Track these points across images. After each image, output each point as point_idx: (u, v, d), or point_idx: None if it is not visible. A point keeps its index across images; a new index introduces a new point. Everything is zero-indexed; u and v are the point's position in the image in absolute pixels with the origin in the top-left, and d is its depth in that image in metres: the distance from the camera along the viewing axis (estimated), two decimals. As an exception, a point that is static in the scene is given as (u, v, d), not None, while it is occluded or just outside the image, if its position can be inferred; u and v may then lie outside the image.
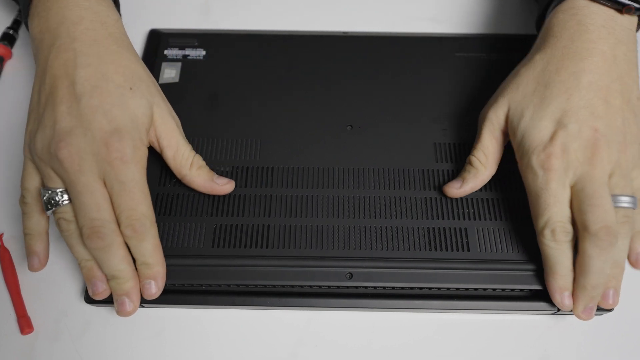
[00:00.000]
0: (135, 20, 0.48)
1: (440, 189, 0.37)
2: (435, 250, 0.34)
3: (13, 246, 0.37)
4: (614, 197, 0.31)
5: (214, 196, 0.36)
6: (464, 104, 0.41)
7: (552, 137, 0.32)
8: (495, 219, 0.36)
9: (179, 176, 0.35)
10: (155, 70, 0.43)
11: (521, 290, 0.34)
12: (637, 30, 0.36)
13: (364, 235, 0.35)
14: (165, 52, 0.44)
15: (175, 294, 0.34)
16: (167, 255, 0.34)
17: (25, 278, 0.36)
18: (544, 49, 0.35)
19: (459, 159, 0.38)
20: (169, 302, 0.34)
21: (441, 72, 0.42)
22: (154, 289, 0.32)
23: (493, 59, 0.43)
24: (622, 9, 0.33)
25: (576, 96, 0.32)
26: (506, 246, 0.35)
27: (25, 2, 0.36)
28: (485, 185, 0.37)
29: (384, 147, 0.39)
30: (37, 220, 0.33)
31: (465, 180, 0.35)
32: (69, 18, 0.34)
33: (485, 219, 0.36)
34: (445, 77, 0.42)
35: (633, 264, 0.34)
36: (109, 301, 0.33)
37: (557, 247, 0.32)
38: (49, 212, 0.32)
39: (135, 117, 0.33)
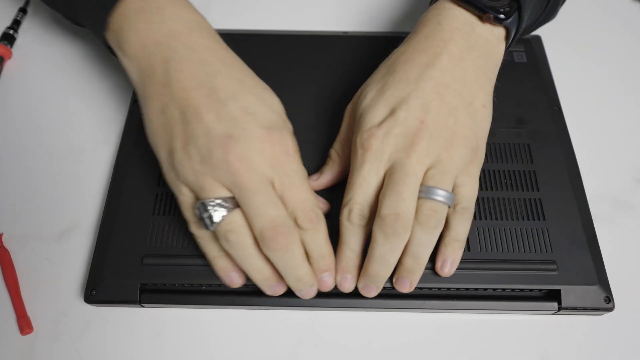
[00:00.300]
0: (135, 21, 0.48)
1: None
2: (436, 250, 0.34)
3: (13, 246, 0.37)
4: (427, 187, 0.30)
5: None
6: (464, 103, 0.41)
7: (381, 122, 0.32)
8: (495, 219, 0.35)
9: None
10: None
11: (521, 290, 0.34)
12: (507, 44, 0.35)
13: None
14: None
15: (175, 294, 0.34)
16: (167, 256, 0.34)
17: (25, 278, 0.36)
18: (404, 43, 0.35)
19: (459, 158, 0.38)
20: (169, 302, 0.34)
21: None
22: (330, 280, 0.32)
23: (493, 58, 0.43)
24: (482, 15, 0.34)
25: (414, 87, 0.32)
26: (506, 246, 0.35)
27: (102, 15, 0.34)
28: (485, 185, 0.37)
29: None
30: (215, 242, 0.32)
31: (323, 172, 0.36)
32: (178, 30, 0.33)
33: (486, 219, 0.35)
34: (446, 77, 0.42)
35: (437, 270, 0.33)
36: (108, 301, 0.33)
37: (349, 228, 0.31)
38: (212, 228, 0.30)
39: (279, 111, 0.33)
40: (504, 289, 0.34)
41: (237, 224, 0.30)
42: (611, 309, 0.33)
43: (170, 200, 0.36)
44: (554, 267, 0.34)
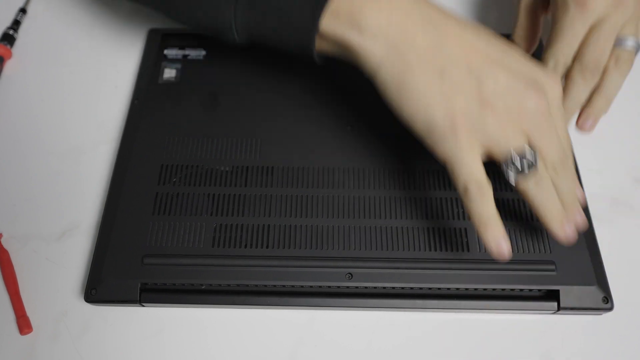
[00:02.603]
0: (135, 20, 0.48)
1: (440, 190, 0.37)
2: (435, 250, 0.35)
3: (13, 246, 0.37)
4: (626, 37, 0.35)
5: (213, 196, 0.36)
6: (464, 104, 0.41)
7: None
8: (495, 219, 0.36)
9: None
10: (155, 70, 0.43)
11: (521, 290, 0.34)
12: None
13: (363, 236, 0.35)
14: (165, 52, 0.44)
15: (175, 293, 0.34)
16: (167, 255, 0.34)
17: (25, 278, 0.36)
18: None
19: (459, 159, 0.38)
20: (169, 302, 0.34)
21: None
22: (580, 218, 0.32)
23: (493, 59, 0.43)
24: None
25: None
26: (506, 246, 0.35)
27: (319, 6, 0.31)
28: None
29: (384, 147, 0.39)
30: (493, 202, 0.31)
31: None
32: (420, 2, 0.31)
33: (485, 219, 0.36)
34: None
35: (580, 126, 0.38)
36: (109, 300, 0.33)
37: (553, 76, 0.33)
38: (528, 172, 0.30)
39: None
40: (504, 289, 0.34)
41: (542, 168, 0.31)
42: (610, 309, 0.33)
43: (170, 200, 0.36)
44: (552, 267, 0.34)
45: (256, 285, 0.34)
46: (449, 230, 0.35)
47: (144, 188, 0.37)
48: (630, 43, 0.36)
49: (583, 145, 0.41)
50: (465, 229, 0.35)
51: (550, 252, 0.34)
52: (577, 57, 0.36)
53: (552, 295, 0.34)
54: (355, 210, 0.36)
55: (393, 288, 0.34)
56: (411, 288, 0.34)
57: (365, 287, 0.34)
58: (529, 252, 0.34)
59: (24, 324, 0.34)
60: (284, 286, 0.34)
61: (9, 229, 0.38)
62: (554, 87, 0.32)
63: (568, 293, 0.33)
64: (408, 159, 0.38)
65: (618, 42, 0.36)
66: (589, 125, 0.37)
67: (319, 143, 0.39)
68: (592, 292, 0.33)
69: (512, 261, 0.34)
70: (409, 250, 0.34)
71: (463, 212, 0.36)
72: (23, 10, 0.48)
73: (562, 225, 0.31)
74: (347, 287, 0.34)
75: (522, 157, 0.30)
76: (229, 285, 0.34)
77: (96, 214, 0.38)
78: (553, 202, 0.31)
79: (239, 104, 0.41)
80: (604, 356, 0.34)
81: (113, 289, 0.34)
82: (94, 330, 0.34)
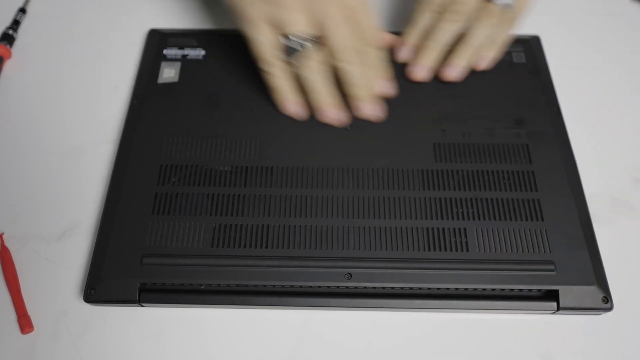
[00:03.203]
0: (134, 20, 0.48)
1: (440, 190, 0.37)
2: (435, 250, 0.35)
3: (13, 246, 0.37)
4: None
5: (213, 196, 0.36)
6: (463, 104, 0.41)
7: None
8: (494, 219, 0.36)
9: None
10: (154, 70, 0.43)
11: (520, 290, 0.34)
12: None
13: (363, 236, 0.35)
14: (165, 51, 0.44)
15: (175, 293, 0.34)
16: (167, 255, 0.34)
17: (25, 278, 0.36)
18: None
19: (459, 159, 0.38)
20: (169, 302, 0.34)
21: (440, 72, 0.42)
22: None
23: (492, 59, 0.43)
24: None
25: None
26: (506, 246, 0.35)
27: None
28: (484, 186, 0.37)
29: (384, 147, 0.39)
30: (287, 74, 0.37)
31: None
32: None
33: (484, 219, 0.36)
34: (445, 77, 0.42)
35: (474, 65, 0.41)
36: (108, 300, 0.33)
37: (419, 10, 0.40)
38: (298, 54, 0.35)
39: None
40: (503, 289, 0.34)
41: (318, 53, 0.35)
42: (609, 309, 0.33)
43: (170, 200, 0.36)
44: (552, 267, 0.34)
45: (256, 285, 0.34)
46: (449, 230, 0.35)
47: (143, 188, 0.37)
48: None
49: (583, 146, 0.41)
50: (465, 229, 0.35)
51: (550, 252, 0.34)
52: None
53: (551, 295, 0.34)
54: (355, 210, 0.36)
55: (392, 288, 0.34)
56: (411, 288, 0.34)
57: (365, 287, 0.34)
58: (528, 252, 0.34)
59: (25, 323, 0.34)
60: (283, 286, 0.34)
61: (9, 229, 0.38)
62: None
63: (567, 293, 0.33)
64: (408, 159, 0.38)
65: None
66: (453, 75, 0.40)
67: (319, 143, 0.39)
68: (591, 292, 0.33)
69: (511, 261, 0.34)
70: (408, 250, 0.34)
71: (463, 212, 0.36)
72: (22, 10, 0.48)
73: (323, 111, 0.38)
74: (347, 287, 0.34)
75: (299, 39, 0.34)
76: (228, 285, 0.34)
77: (96, 214, 0.38)
78: (319, 87, 0.37)
79: (239, 103, 0.41)
80: (603, 356, 0.34)
81: (112, 289, 0.34)
82: (94, 330, 0.34)
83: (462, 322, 0.35)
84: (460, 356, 0.34)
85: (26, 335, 0.34)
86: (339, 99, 0.38)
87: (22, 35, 0.47)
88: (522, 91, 0.41)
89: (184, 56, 0.44)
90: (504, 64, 0.43)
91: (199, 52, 0.44)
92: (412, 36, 0.41)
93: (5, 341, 0.34)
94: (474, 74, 0.42)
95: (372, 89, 0.38)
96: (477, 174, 0.37)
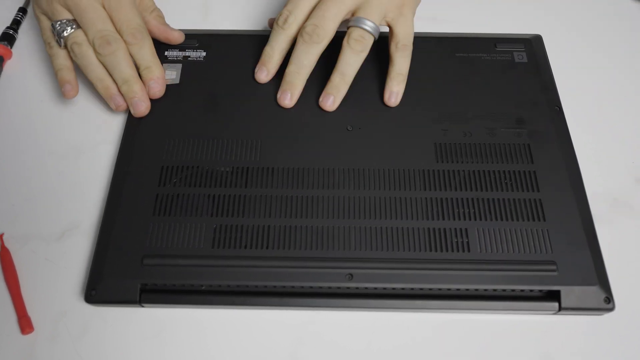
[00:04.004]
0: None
1: (440, 190, 0.37)
2: (436, 250, 0.34)
3: (13, 246, 0.37)
4: (357, 17, 0.38)
5: (214, 196, 0.36)
6: (464, 104, 0.41)
7: None
8: (495, 219, 0.35)
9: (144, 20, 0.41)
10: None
11: (522, 290, 0.34)
12: None
13: (364, 236, 0.35)
14: (166, 53, 0.44)
15: (175, 294, 0.34)
16: (167, 256, 0.34)
17: (25, 278, 0.36)
18: None
19: (460, 159, 0.38)
20: (169, 302, 0.34)
21: (441, 72, 0.42)
22: (158, 87, 0.39)
23: (493, 59, 0.43)
24: None
25: None
26: (506, 246, 0.35)
27: None
28: (485, 186, 0.37)
29: (384, 147, 0.39)
30: (64, 57, 0.41)
31: None
32: None
33: (485, 219, 0.35)
34: (445, 77, 0.42)
35: (385, 101, 0.40)
36: (108, 301, 0.33)
37: (277, 30, 0.39)
38: (61, 43, 0.39)
39: None
40: (504, 290, 0.34)
41: (79, 38, 0.39)
42: (611, 309, 0.33)
43: (170, 201, 0.36)
44: (554, 267, 0.34)
45: (256, 286, 0.34)
46: (449, 231, 0.35)
47: (144, 189, 0.37)
48: (366, 25, 0.37)
49: (584, 145, 0.41)
50: (467, 229, 0.35)
51: (552, 252, 0.34)
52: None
53: (553, 296, 0.34)
54: (355, 210, 0.36)
55: (393, 288, 0.34)
56: (411, 288, 0.34)
57: (366, 288, 0.34)
58: (529, 252, 0.34)
59: (25, 324, 0.34)
60: (284, 287, 0.34)
61: (9, 229, 0.38)
62: None
63: (569, 293, 0.33)
64: (408, 159, 0.38)
65: (356, 21, 0.38)
66: (328, 105, 0.39)
67: (319, 143, 0.39)
68: (593, 293, 0.33)
69: (513, 261, 0.34)
70: (409, 250, 0.34)
71: (464, 212, 0.36)
72: (23, 10, 0.48)
73: (107, 96, 0.40)
74: (348, 287, 0.34)
75: (61, 25, 0.39)
76: (229, 285, 0.34)
77: (96, 215, 0.38)
78: (93, 70, 0.39)
79: (239, 104, 0.41)
80: (605, 357, 0.34)
81: (113, 289, 0.34)
82: (94, 331, 0.34)
83: (464, 322, 0.35)
84: (461, 357, 0.34)
85: (26, 335, 0.34)
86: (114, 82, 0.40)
87: (23, 35, 0.47)
88: (523, 91, 0.41)
89: (185, 57, 0.43)
90: (506, 63, 0.43)
91: (200, 54, 0.44)
92: (270, 56, 0.41)
93: (5, 342, 0.34)
94: (474, 74, 0.42)
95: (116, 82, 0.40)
96: (479, 174, 0.37)
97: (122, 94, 0.39)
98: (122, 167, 0.38)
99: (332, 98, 0.39)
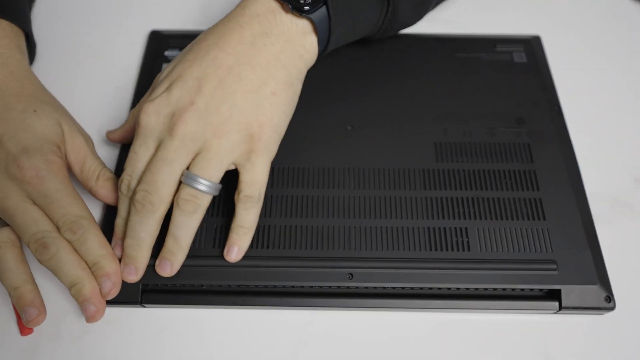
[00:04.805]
0: (136, 22, 0.48)
1: (441, 189, 0.37)
2: (436, 250, 0.34)
3: (14, 247, 0.37)
4: (189, 174, 0.31)
5: (214, 196, 0.36)
6: (464, 104, 0.41)
7: (156, 97, 0.32)
8: (495, 219, 0.36)
9: (87, 189, 0.36)
10: (156, 72, 0.43)
11: (522, 289, 0.34)
12: (319, 38, 0.34)
13: (364, 236, 0.35)
14: (166, 53, 0.44)
15: (176, 294, 0.34)
16: (167, 255, 0.34)
17: (26, 278, 0.36)
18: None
19: (460, 159, 0.38)
20: (170, 302, 0.34)
21: (441, 72, 0.42)
22: (109, 285, 0.32)
23: (493, 59, 0.43)
24: (283, 4, 0.33)
25: (196, 66, 0.32)
26: (506, 246, 0.35)
27: None
28: (485, 185, 0.37)
29: (384, 147, 0.39)
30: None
31: (119, 128, 0.39)
32: None
33: (486, 219, 0.35)
34: (445, 77, 0.42)
35: (225, 255, 0.34)
36: (109, 301, 0.33)
37: (120, 197, 0.33)
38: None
39: (43, 135, 0.34)
40: (504, 289, 0.34)
41: (2, 240, 0.33)
42: (612, 309, 0.33)
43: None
44: (554, 266, 0.34)
45: (257, 286, 0.34)
46: (450, 230, 0.35)
47: (144, 188, 0.37)
48: (198, 183, 0.31)
49: (584, 145, 0.41)
50: (466, 229, 0.35)
51: (552, 251, 0.34)
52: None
53: (553, 295, 0.34)
54: (356, 210, 0.36)
55: (394, 288, 0.34)
56: (412, 288, 0.34)
57: (366, 287, 0.34)
58: (530, 251, 0.34)
59: (24, 325, 0.34)
60: (284, 286, 0.34)
61: (10, 230, 0.38)
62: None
63: (570, 293, 0.33)
64: (408, 159, 0.38)
65: (186, 177, 0.31)
66: (166, 272, 0.33)
67: (320, 143, 0.39)
68: (594, 292, 0.33)
69: (513, 261, 0.34)
70: (409, 250, 0.34)
71: (464, 211, 0.36)
72: (24, 12, 0.48)
73: (19, 306, 0.33)
74: (348, 287, 0.34)
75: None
76: (229, 285, 0.34)
77: (97, 215, 0.38)
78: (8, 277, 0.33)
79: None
80: (606, 356, 0.34)
81: (113, 289, 0.34)
82: (95, 331, 0.34)
83: (464, 322, 0.35)
84: (461, 356, 0.34)
85: (27, 336, 0.34)
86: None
87: (24, 37, 0.47)
88: (523, 90, 0.41)
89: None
90: (505, 63, 0.43)
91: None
92: (121, 230, 0.34)
93: (6, 342, 0.34)
94: (474, 74, 0.42)
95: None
96: (479, 174, 0.37)
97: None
98: (122, 167, 0.38)
99: (169, 264, 0.33)
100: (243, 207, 0.33)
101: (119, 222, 0.34)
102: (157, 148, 0.32)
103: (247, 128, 0.32)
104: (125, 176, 0.33)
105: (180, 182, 0.32)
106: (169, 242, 0.33)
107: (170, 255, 0.33)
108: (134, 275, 0.33)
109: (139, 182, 0.32)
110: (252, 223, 0.34)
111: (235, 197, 0.33)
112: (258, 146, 0.32)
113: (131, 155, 0.32)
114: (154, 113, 0.32)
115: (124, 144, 0.39)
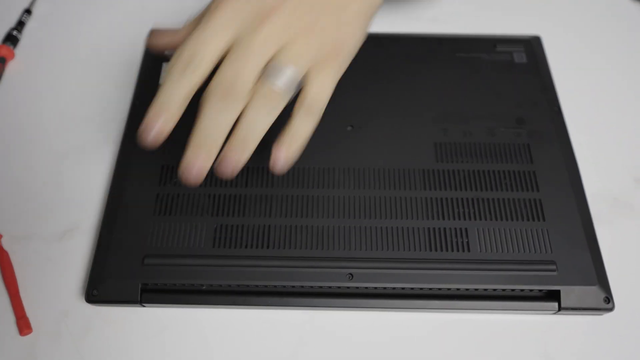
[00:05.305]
0: (135, 20, 0.48)
1: (441, 189, 0.37)
2: (436, 250, 0.35)
3: (13, 246, 0.37)
4: (273, 66, 0.29)
5: (214, 196, 0.36)
6: (464, 104, 0.41)
7: None
8: (495, 219, 0.36)
9: None
10: (156, 71, 0.43)
11: (521, 290, 0.34)
12: None
13: (364, 236, 0.35)
14: (166, 52, 0.44)
15: (176, 294, 0.34)
16: (167, 255, 0.34)
17: (26, 278, 0.36)
18: None
19: (460, 159, 0.38)
20: (170, 302, 0.34)
21: (441, 72, 0.42)
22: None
23: (493, 59, 0.43)
24: None
25: None
26: (506, 246, 0.35)
27: None
28: (485, 186, 0.37)
29: (384, 147, 0.39)
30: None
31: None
32: None
33: (485, 219, 0.36)
34: (446, 77, 0.42)
35: (270, 167, 0.31)
36: (109, 301, 0.33)
37: (172, 74, 0.30)
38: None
39: None
40: (504, 289, 0.34)
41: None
42: (611, 309, 0.33)
43: (171, 201, 0.36)
44: (553, 267, 0.34)
45: (257, 286, 0.34)
46: (450, 230, 0.35)
47: (144, 188, 0.37)
48: (280, 77, 0.29)
49: (584, 146, 0.41)
50: (466, 229, 0.35)
51: (551, 252, 0.34)
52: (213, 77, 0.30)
53: (552, 296, 0.34)
54: (356, 210, 0.36)
55: (394, 288, 0.34)
56: (412, 288, 0.34)
57: (366, 288, 0.34)
58: (529, 252, 0.34)
59: (23, 325, 0.34)
60: (284, 286, 0.34)
61: (9, 229, 0.38)
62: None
63: (569, 293, 0.33)
64: (408, 159, 0.38)
65: (268, 72, 0.29)
66: (226, 171, 0.30)
67: (320, 143, 0.39)
68: (593, 293, 0.33)
69: (512, 261, 0.34)
70: (409, 250, 0.34)
71: (464, 212, 0.36)
72: (28, 11, 0.48)
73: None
74: (348, 287, 0.34)
75: None
76: (229, 285, 0.34)
77: (97, 215, 0.38)
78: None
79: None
80: (605, 357, 0.34)
81: (114, 289, 0.34)
82: (95, 331, 0.34)
83: (463, 322, 0.35)
84: (461, 356, 0.34)
85: (27, 336, 0.34)
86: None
87: (27, 37, 0.48)
88: (523, 91, 0.41)
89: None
90: (505, 63, 0.43)
91: (200, 53, 0.44)
92: (168, 104, 0.31)
93: (6, 342, 0.34)
94: (474, 74, 0.42)
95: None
96: (478, 174, 0.37)
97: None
98: (122, 166, 0.38)
99: (232, 163, 0.30)
100: (303, 116, 0.30)
101: (164, 97, 0.30)
102: (235, 41, 0.29)
103: (332, 36, 0.31)
104: (185, 51, 0.29)
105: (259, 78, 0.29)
106: (233, 141, 0.30)
107: (234, 154, 0.30)
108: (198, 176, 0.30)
109: (218, 73, 0.29)
110: (306, 136, 0.31)
111: (296, 106, 0.30)
112: (336, 60, 0.31)
113: (198, 34, 0.29)
114: (237, 2, 0.29)
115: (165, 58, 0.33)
